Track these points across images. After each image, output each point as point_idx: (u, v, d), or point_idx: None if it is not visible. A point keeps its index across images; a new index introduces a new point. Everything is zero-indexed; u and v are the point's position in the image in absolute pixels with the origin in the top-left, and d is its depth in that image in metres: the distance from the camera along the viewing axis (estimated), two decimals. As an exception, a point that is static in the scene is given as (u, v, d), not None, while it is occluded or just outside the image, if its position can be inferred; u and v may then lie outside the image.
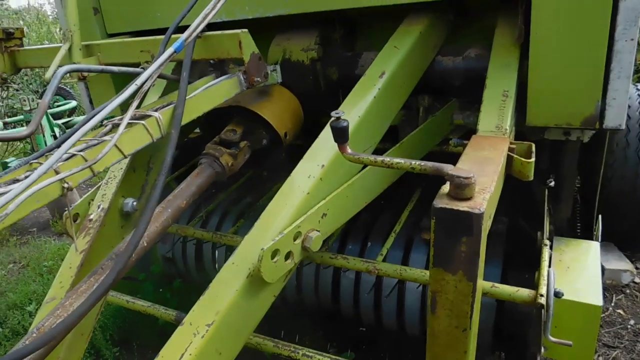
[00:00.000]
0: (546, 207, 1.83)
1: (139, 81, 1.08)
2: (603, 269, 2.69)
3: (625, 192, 2.58)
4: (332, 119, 1.05)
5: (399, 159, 1.02)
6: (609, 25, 1.25)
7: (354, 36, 1.88)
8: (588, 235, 2.34)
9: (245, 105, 1.55)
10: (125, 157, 1.09)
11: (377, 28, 1.83)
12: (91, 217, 1.50)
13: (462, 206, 0.91)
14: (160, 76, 1.34)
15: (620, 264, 2.68)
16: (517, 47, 1.45)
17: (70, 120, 5.48)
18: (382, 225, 1.97)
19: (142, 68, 1.53)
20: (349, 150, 1.09)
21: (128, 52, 1.58)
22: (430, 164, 0.99)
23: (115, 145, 1.05)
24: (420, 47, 1.56)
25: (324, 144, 1.32)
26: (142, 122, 1.13)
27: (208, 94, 1.31)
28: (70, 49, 1.61)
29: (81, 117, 5.59)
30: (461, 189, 0.93)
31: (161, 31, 1.97)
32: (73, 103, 6.46)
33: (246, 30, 1.36)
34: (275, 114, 1.57)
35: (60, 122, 5.19)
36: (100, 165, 1.03)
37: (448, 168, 0.96)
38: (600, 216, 2.15)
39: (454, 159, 1.17)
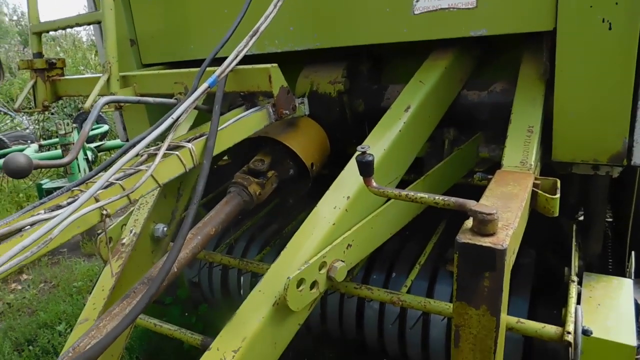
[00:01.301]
0: (574, 242, 1.81)
1: (174, 114, 1.14)
2: (637, 307, 2.59)
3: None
4: (358, 153, 1.09)
5: (422, 194, 1.05)
6: (635, 63, 1.26)
7: (380, 69, 1.93)
8: (620, 271, 2.28)
9: (273, 136, 1.60)
10: (160, 186, 1.15)
11: (403, 61, 1.87)
12: (124, 241, 1.56)
13: (485, 242, 0.92)
14: (194, 107, 1.41)
15: (656, 302, 2.58)
16: (543, 82, 1.47)
17: (102, 144, 5.68)
18: (407, 256, 1.97)
19: (175, 99, 1.62)
20: (374, 184, 1.12)
21: (163, 84, 1.66)
22: (453, 199, 1.00)
23: (151, 175, 1.10)
24: (445, 82, 1.59)
25: (350, 175, 1.35)
26: (176, 153, 1.18)
27: (238, 126, 1.36)
28: (108, 80, 1.71)
29: (112, 142, 5.78)
30: (484, 225, 0.94)
31: (194, 63, 2.08)
32: (105, 127, 6.72)
33: (276, 65, 1.43)
34: (303, 145, 1.62)
35: (92, 145, 5.38)
36: (136, 194, 1.08)
37: (471, 204, 0.98)
38: (633, 252, 2.09)
39: (479, 192, 1.19)
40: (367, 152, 1.09)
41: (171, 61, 2.10)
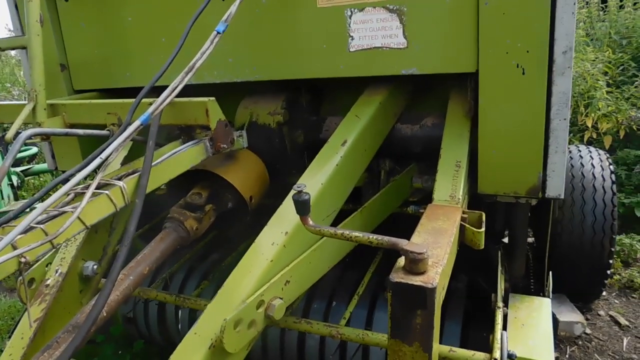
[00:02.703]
0: (500, 268, 1.92)
1: (104, 154, 1.10)
2: (557, 322, 2.78)
3: (574, 246, 2.74)
4: (294, 192, 1.10)
5: (357, 233, 1.08)
6: (545, 106, 1.38)
7: (320, 100, 1.98)
8: (541, 288, 2.44)
9: (211, 169, 1.58)
10: (87, 228, 1.10)
11: (341, 94, 1.93)
12: (48, 282, 1.47)
13: (417, 280, 0.96)
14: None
15: (572, 315, 2.78)
16: (468, 119, 1.57)
17: (29, 168, 5.32)
18: (347, 284, 2.00)
19: (108, 130, 1.56)
20: (311, 222, 1.13)
21: (95, 114, 1.60)
22: (386, 238, 1.04)
23: (78, 218, 1.05)
24: (380, 116, 1.65)
25: (288, 211, 1.36)
26: (106, 192, 1.14)
27: (174, 162, 1.34)
28: (34, 109, 1.63)
29: (41, 166, 5.42)
30: (415, 264, 0.98)
31: (130, 91, 2.03)
32: (33, 150, 6.31)
33: (213, 98, 1.42)
34: (241, 178, 1.61)
35: (19, 169, 5.03)
36: (61, 238, 1.03)
37: (403, 243, 1.02)
38: (550, 272, 2.25)
39: (413, 220, 1.27)
40: (303, 191, 1.10)
41: (105, 88, 2.03)
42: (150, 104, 1.45)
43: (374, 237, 1.05)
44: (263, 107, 1.86)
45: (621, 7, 5.91)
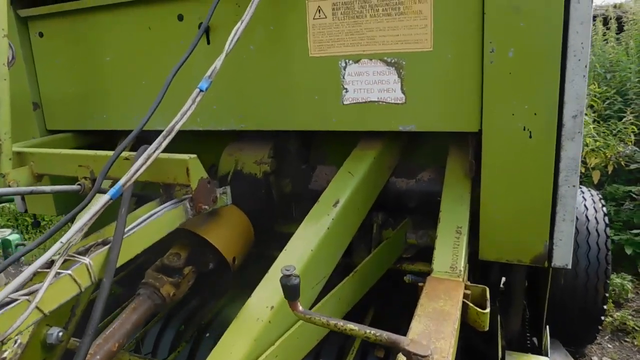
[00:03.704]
0: (498, 321, 1.83)
1: (64, 238, 0.97)
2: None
3: (567, 290, 2.68)
4: (282, 275, 0.99)
5: (353, 325, 0.96)
6: (553, 172, 1.29)
7: (309, 148, 1.87)
8: (537, 337, 2.36)
9: (191, 228, 1.46)
10: (45, 315, 0.96)
11: (333, 142, 1.83)
12: (5, 355, 1.31)
13: (421, 387, 0.85)
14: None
15: (566, 361, 2.69)
16: (469, 180, 1.47)
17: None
18: (335, 345, 1.87)
19: (79, 185, 1.43)
20: (300, 309, 1.02)
21: (65, 166, 1.47)
22: (385, 335, 0.93)
23: (36, 307, 0.92)
24: (374, 172, 1.55)
25: (272, 283, 1.24)
26: (69, 272, 1.01)
27: (148, 229, 1.21)
28: (-2, 158, 1.49)
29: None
30: (419, 368, 0.87)
31: (107, 133, 1.90)
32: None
33: (194, 156, 1.31)
34: (224, 237, 1.49)
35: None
36: (15, 332, 0.89)
37: (404, 342, 0.90)
38: (547, 327, 2.16)
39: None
40: (293, 274, 0.99)
41: (81, 129, 1.90)
42: (127, 159, 1.33)
43: (371, 332, 0.94)
44: (249, 155, 1.75)
45: (605, 41, 6.00)
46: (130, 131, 1.85)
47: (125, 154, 1.31)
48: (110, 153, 1.41)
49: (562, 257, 1.36)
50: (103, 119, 1.82)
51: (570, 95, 1.24)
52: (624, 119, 4.64)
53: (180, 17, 1.59)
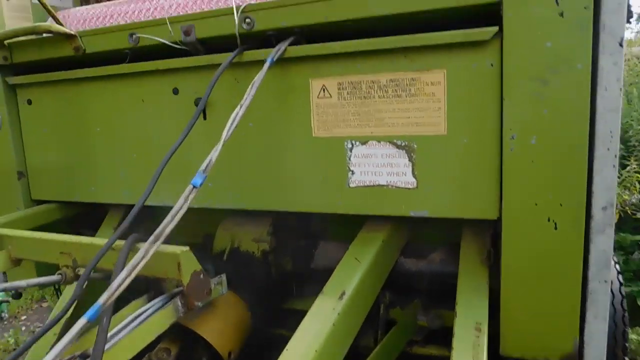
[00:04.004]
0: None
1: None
2: None
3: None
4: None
5: None
6: (582, 266, 1.18)
7: (310, 223, 1.75)
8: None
9: (182, 321, 1.32)
10: None
11: (336, 219, 1.71)
12: None
13: None
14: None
15: None
16: (486, 267, 1.36)
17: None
18: None
19: (59, 274, 1.31)
20: None
21: (45, 252, 1.35)
22: None
23: None
24: (383, 256, 1.43)
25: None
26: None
27: (133, 338, 1.08)
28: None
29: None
30: None
31: (94, 207, 1.79)
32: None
33: (187, 249, 1.19)
34: (218, 330, 1.36)
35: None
36: None
37: None
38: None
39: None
40: None
41: (68, 200, 1.78)
42: (114, 249, 1.21)
43: None
44: (247, 232, 1.63)
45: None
46: (118, 205, 1.76)
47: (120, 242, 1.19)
48: (96, 241, 1.30)
49: (595, 357, 1.23)
50: (90, 191, 1.71)
51: (599, 186, 1.14)
52: (627, 167, 4.57)
53: (176, 91, 1.50)
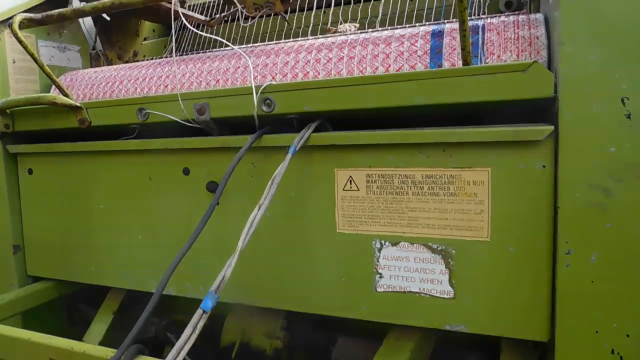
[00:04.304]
0: None
1: None
2: None
3: None
4: None
5: None
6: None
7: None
8: None
9: None
10: None
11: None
12: None
13: None
14: None
15: None
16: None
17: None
18: None
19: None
20: None
21: (33, 355, 1.20)
22: None
23: None
24: (411, 368, 1.26)
25: None
26: None
27: None
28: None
29: None
30: None
31: (94, 289, 1.64)
32: None
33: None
34: None
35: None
36: None
37: None
38: None
39: None
40: None
41: (65, 279, 1.64)
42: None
43: None
44: (257, 326, 1.48)
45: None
46: (119, 289, 1.62)
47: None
48: (95, 351, 1.14)
49: None
50: (90, 271, 1.57)
51: (674, 316, 0.97)
52: None
53: (186, 171, 1.38)
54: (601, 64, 0.94)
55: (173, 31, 1.52)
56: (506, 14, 1.41)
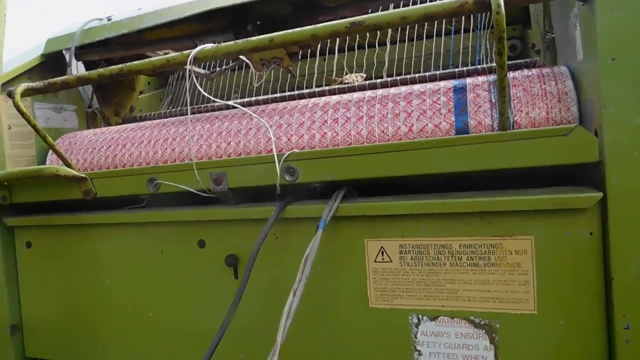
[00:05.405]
0: None
1: None
2: None
3: None
4: None
5: None
6: None
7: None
8: None
9: None
10: None
11: None
12: None
13: None
14: None
15: None
16: None
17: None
18: None
19: None
20: None
21: None
22: None
23: None
24: None
25: None
26: None
27: None
28: None
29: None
30: None
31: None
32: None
33: None
34: None
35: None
36: None
37: None
38: None
39: None
40: None
41: (65, 362, 1.52)
42: None
43: None
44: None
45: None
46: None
47: None
48: None
49: None
50: (96, 352, 1.45)
51: None
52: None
53: (202, 244, 1.29)
54: (649, 128, 0.90)
55: (187, 92, 1.45)
56: (527, 69, 1.38)
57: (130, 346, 1.40)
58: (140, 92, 2.21)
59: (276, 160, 1.15)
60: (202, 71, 1.92)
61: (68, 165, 1.37)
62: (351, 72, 1.90)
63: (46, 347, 1.54)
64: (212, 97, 1.43)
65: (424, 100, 1.27)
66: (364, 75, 1.80)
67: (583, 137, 0.95)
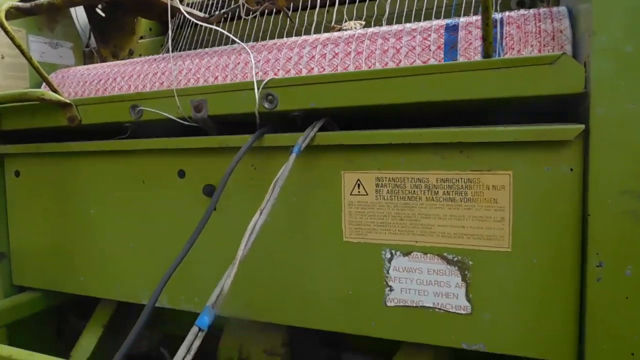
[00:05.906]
0: None
1: None
2: None
3: None
4: None
5: None
6: None
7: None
8: None
9: None
10: None
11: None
12: None
13: None
14: None
15: None
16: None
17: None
18: None
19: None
20: None
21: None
22: None
23: None
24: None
25: None
26: None
27: None
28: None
29: None
30: None
31: (81, 300, 1.55)
32: None
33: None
34: None
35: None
36: None
37: None
38: None
39: None
40: None
41: (52, 289, 1.55)
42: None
43: None
44: (257, 341, 1.37)
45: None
46: (110, 301, 1.52)
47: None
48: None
49: None
50: (79, 281, 1.47)
51: None
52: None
53: (182, 174, 1.29)
54: (639, 56, 0.85)
55: (170, 28, 1.44)
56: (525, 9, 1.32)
57: (110, 276, 1.41)
58: (141, 37, 2.20)
59: (255, 87, 1.12)
60: (200, 14, 1.89)
61: (54, 91, 1.36)
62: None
63: (33, 275, 1.57)
64: (209, 25, 1.41)
65: (414, 37, 1.23)
66: (363, 22, 1.75)
67: (569, 65, 0.91)
